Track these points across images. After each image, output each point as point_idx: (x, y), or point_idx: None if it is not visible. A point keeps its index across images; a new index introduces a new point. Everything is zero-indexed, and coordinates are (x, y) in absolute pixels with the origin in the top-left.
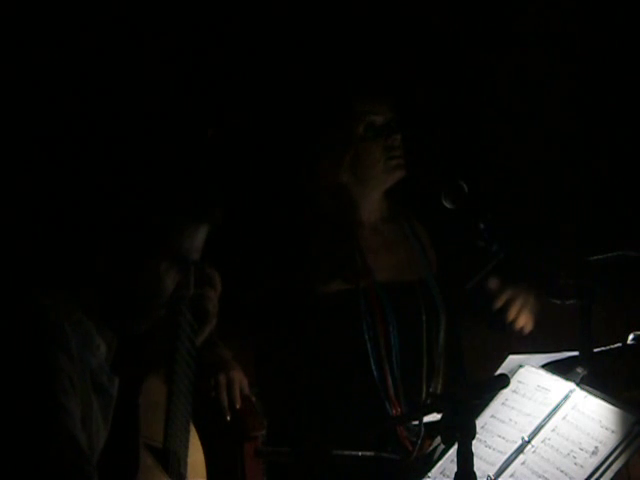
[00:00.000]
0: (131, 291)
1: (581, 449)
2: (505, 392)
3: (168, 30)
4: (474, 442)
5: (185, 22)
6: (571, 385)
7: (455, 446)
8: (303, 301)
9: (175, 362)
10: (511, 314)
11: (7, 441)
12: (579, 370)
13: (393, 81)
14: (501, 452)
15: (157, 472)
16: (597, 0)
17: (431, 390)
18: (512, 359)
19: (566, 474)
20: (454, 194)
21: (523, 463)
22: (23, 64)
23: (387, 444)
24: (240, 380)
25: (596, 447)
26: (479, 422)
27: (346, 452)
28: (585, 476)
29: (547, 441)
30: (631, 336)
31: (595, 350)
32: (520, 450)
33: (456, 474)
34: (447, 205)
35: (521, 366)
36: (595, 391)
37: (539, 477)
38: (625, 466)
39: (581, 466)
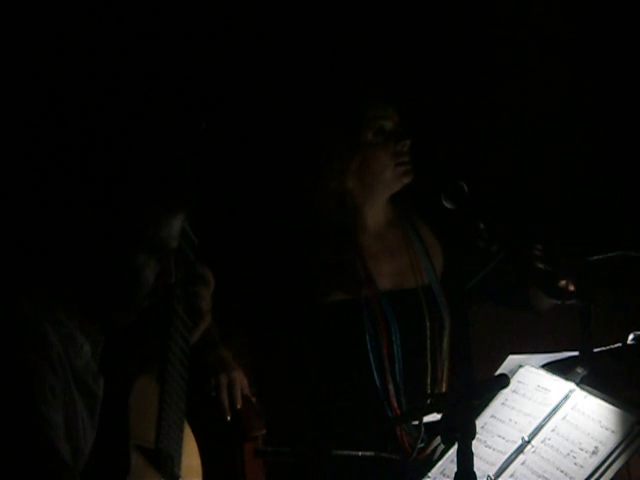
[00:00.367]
0: (112, 284)
1: (581, 449)
2: (505, 392)
3: (169, 23)
4: (474, 442)
5: (194, 19)
6: (571, 385)
7: (455, 446)
8: (303, 309)
9: (167, 361)
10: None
11: None
12: (579, 370)
13: (396, 82)
14: (501, 452)
15: (149, 472)
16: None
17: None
18: (512, 359)
19: (566, 474)
20: (454, 194)
21: (523, 463)
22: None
23: (387, 444)
24: (241, 380)
25: (596, 447)
26: (479, 422)
27: (346, 452)
28: (585, 476)
29: (547, 441)
30: (631, 336)
31: (595, 350)
32: (520, 450)
33: (456, 474)
34: (447, 205)
35: (521, 366)
36: (595, 391)
37: (539, 477)
38: (625, 466)
39: (581, 466)
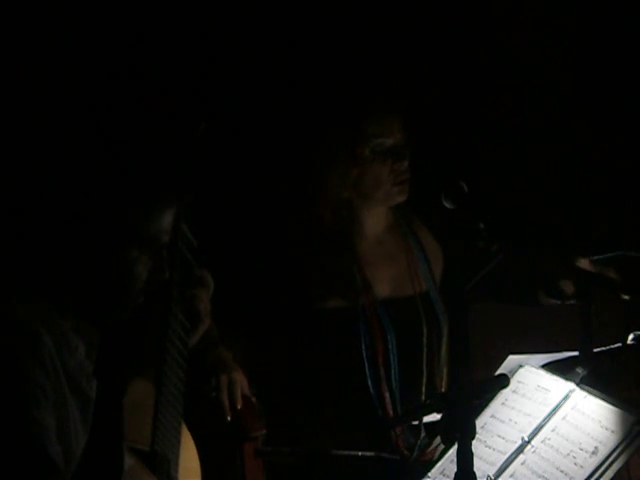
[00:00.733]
0: (104, 280)
1: (581, 449)
2: (505, 392)
3: (170, 25)
4: (474, 442)
5: (196, 21)
6: (571, 385)
7: (455, 446)
8: (300, 315)
9: (164, 363)
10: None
11: None
12: (579, 370)
13: (396, 82)
14: (501, 452)
15: (143, 474)
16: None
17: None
18: (512, 359)
19: (566, 474)
20: (454, 194)
21: (523, 463)
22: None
23: (387, 444)
24: (241, 381)
25: (596, 447)
26: (479, 422)
27: (346, 452)
28: (585, 476)
29: (547, 441)
30: (631, 336)
31: (595, 350)
32: (520, 450)
33: (456, 474)
34: (447, 205)
35: (521, 366)
36: (595, 391)
37: (539, 477)
38: (625, 466)
39: (581, 466)
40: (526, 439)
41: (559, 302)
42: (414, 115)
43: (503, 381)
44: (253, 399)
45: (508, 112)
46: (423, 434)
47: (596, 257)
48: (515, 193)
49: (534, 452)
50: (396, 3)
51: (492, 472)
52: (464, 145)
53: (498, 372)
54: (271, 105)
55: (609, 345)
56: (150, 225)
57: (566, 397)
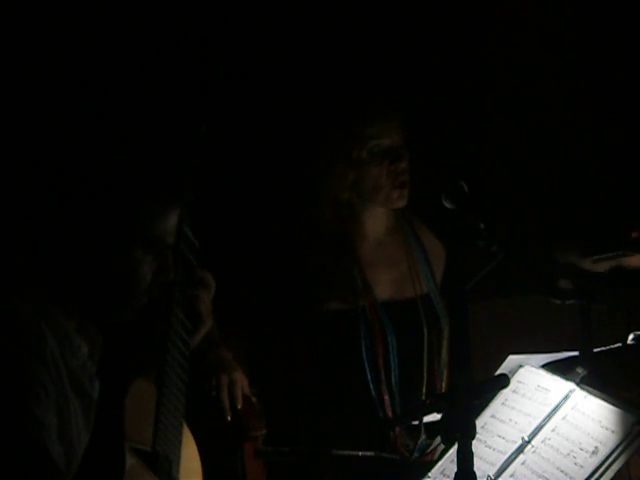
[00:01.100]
0: (109, 280)
1: (581, 449)
2: (505, 392)
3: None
4: (474, 442)
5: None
6: (571, 385)
7: (455, 446)
8: (301, 318)
9: (166, 363)
10: None
11: None
12: (579, 370)
13: (395, 82)
14: (501, 452)
15: (145, 475)
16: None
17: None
18: (512, 359)
19: (566, 474)
20: (454, 194)
21: (523, 463)
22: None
23: (387, 444)
24: (241, 381)
25: (596, 447)
26: (479, 422)
27: (346, 452)
28: (585, 476)
29: (547, 441)
30: (631, 336)
31: (595, 350)
32: (520, 450)
33: (456, 474)
34: (447, 205)
35: (521, 366)
36: (595, 391)
37: (539, 477)
38: (625, 466)
39: (581, 466)
40: (526, 439)
41: (559, 302)
42: (414, 115)
43: (503, 381)
44: (253, 399)
45: (508, 112)
46: (423, 434)
47: (596, 257)
48: (515, 193)
49: (534, 452)
50: (395, 4)
51: (492, 472)
52: (464, 145)
53: (498, 372)
54: (270, 108)
55: (609, 345)
56: (155, 226)
57: (566, 397)
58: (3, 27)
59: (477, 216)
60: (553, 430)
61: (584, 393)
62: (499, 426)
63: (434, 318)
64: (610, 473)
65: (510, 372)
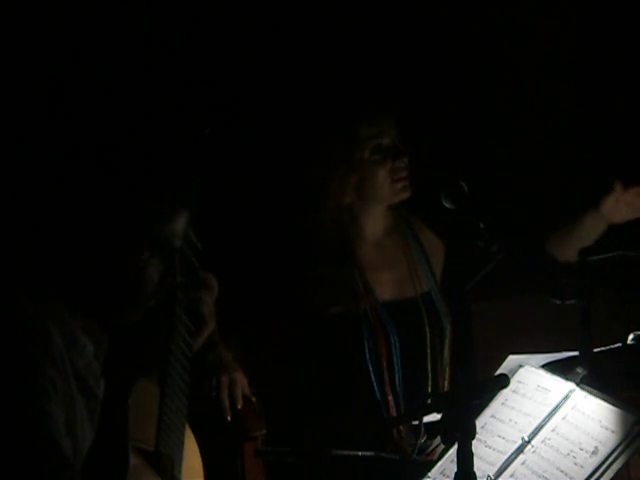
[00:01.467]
0: (116, 281)
1: (581, 449)
2: (505, 392)
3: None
4: (474, 442)
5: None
6: (571, 385)
7: (455, 446)
8: (302, 323)
9: (168, 364)
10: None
11: None
12: (579, 370)
13: (394, 83)
14: (501, 452)
15: (148, 474)
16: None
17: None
18: (512, 359)
19: (566, 474)
20: (454, 194)
21: (523, 463)
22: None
23: (387, 444)
24: (241, 381)
25: (596, 447)
26: (479, 422)
27: (346, 452)
28: (585, 476)
29: (547, 441)
30: (631, 336)
31: (595, 350)
32: (520, 450)
33: (456, 474)
34: (447, 205)
35: (521, 366)
36: (595, 391)
37: (539, 477)
38: (625, 466)
39: (581, 466)
40: (526, 439)
41: (559, 302)
42: (414, 115)
43: (503, 381)
44: (253, 399)
45: (509, 112)
46: (423, 434)
47: (596, 257)
48: (515, 193)
49: (534, 452)
50: (395, 5)
51: (492, 472)
52: (464, 145)
53: (498, 372)
54: (268, 114)
55: (609, 345)
56: (163, 228)
57: (566, 397)
58: (10, 31)
59: (477, 216)
60: (553, 430)
61: (584, 393)
62: (499, 426)
63: (435, 316)
64: (610, 473)
65: (510, 372)
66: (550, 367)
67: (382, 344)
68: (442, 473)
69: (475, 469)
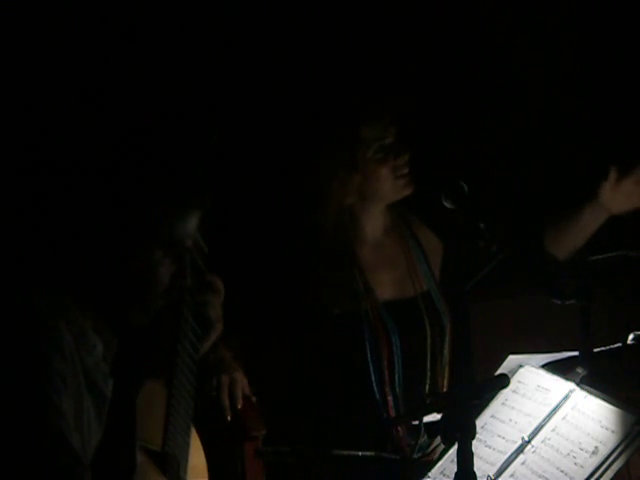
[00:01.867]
0: (126, 283)
1: (581, 449)
2: (505, 392)
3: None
4: (474, 442)
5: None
6: (571, 385)
7: (455, 446)
8: (304, 325)
9: (176, 366)
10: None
11: None
12: (579, 370)
13: (395, 84)
14: (501, 452)
15: (154, 474)
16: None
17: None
18: (512, 359)
19: (566, 474)
20: (454, 194)
21: (523, 463)
22: (15, 65)
23: (387, 444)
24: (241, 381)
25: (596, 447)
26: (479, 422)
27: (346, 452)
28: (585, 476)
29: (547, 441)
30: (631, 336)
31: (595, 350)
32: (520, 450)
33: (456, 474)
34: (447, 205)
35: (521, 366)
36: (595, 391)
37: (539, 477)
38: (625, 466)
39: (581, 466)
40: (526, 439)
41: (559, 302)
42: (414, 114)
43: (503, 381)
44: (253, 399)
45: (509, 112)
46: (423, 434)
47: (596, 257)
48: (515, 193)
49: (534, 452)
50: (395, 5)
51: (492, 472)
52: (464, 145)
53: (498, 372)
54: (270, 117)
55: (609, 345)
56: (175, 228)
57: (566, 397)
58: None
59: (477, 216)
60: (553, 430)
61: (584, 393)
62: (499, 426)
63: (435, 315)
64: (610, 473)
65: (510, 372)
66: (550, 367)
67: (383, 344)
68: (442, 473)
69: (475, 469)
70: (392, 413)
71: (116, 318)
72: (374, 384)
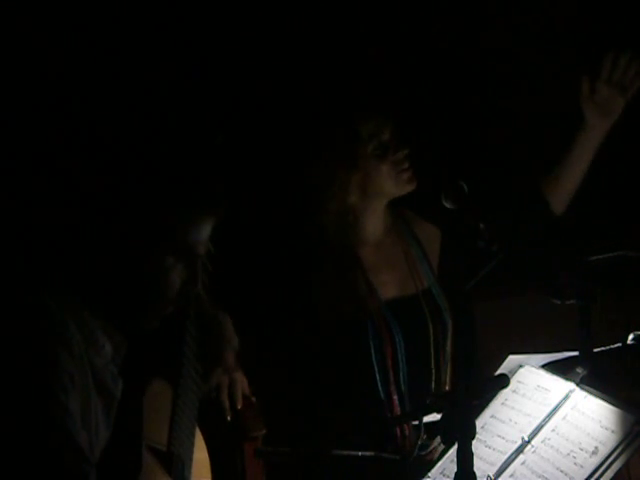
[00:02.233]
0: (137, 286)
1: (581, 449)
2: (505, 392)
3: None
4: (474, 442)
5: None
6: (571, 385)
7: (455, 446)
8: (307, 328)
9: (182, 366)
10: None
11: (5, 439)
12: (579, 370)
13: (395, 84)
14: (501, 452)
15: (160, 474)
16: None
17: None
18: (512, 359)
19: (566, 474)
20: (454, 194)
21: (523, 463)
22: (22, 65)
23: (387, 444)
24: (241, 381)
25: (596, 447)
26: (479, 422)
27: (346, 452)
28: (585, 476)
29: (547, 441)
30: (631, 336)
31: (595, 350)
32: (520, 450)
33: (456, 474)
34: (447, 205)
35: (521, 366)
36: (595, 391)
37: (539, 477)
38: (625, 466)
39: (581, 466)
40: (526, 439)
41: (559, 302)
42: (413, 113)
43: (503, 381)
44: (253, 399)
45: (508, 111)
46: (423, 434)
47: (596, 257)
48: (515, 193)
49: (534, 452)
50: (395, 5)
51: (492, 472)
52: (464, 145)
53: (498, 372)
54: (269, 117)
55: (609, 345)
56: (188, 234)
57: (566, 397)
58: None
59: (477, 216)
60: (553, 430)
61: (584, 393)
62: (499, 426)
63: (437, 312)
64: (610, 473)
65: (510, 372)
66: (550, 367)
67: (387, 344)
68: (442, 473)
69: (475, 469)
70: (398, 411)
71: (126, 321)
72: (379, 384)
